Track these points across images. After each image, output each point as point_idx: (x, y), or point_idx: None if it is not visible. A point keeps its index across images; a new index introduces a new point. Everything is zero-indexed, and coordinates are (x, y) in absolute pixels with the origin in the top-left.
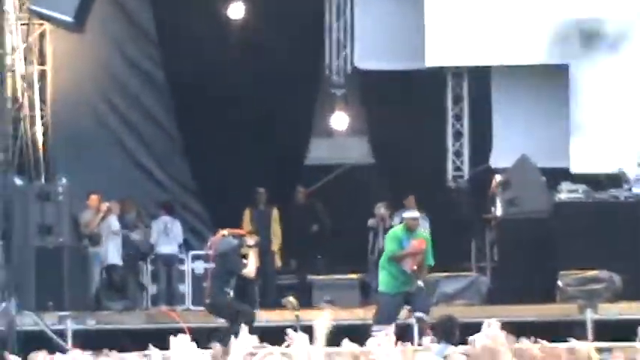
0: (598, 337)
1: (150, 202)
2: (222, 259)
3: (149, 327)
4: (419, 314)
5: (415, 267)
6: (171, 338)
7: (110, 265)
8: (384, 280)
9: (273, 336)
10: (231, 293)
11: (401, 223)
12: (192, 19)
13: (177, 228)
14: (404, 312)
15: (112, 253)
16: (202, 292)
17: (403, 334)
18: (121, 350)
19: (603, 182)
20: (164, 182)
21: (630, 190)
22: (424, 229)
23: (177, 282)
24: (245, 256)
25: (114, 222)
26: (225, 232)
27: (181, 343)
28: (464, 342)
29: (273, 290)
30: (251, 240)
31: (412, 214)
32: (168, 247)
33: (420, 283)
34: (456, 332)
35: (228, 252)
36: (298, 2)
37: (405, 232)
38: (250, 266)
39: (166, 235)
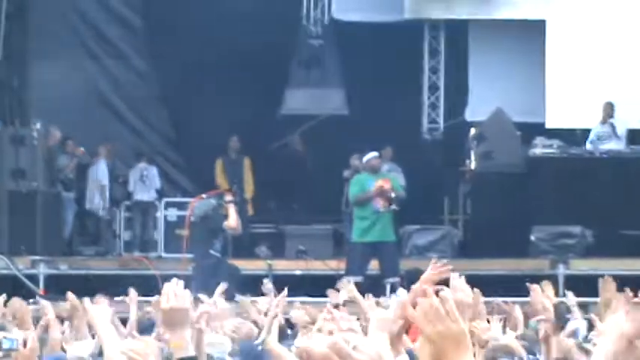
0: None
1: (127, 150)
2: (204, 220)
3: (121, 273)
4: (391, 281)
5: (387, 205)
6: (166, 283)
7: (85, 210)
8: (355, 229)
9: (246, 284)
10: (219, 255)
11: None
12: None
13: (153, 175)
14: (375, 262)
15: (97, 201)
16: (175, 240)
17: (375, 286)
18: (93, 295)
19: (578, 138)
20: (142, 130)
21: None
22: (399, 181)
23: (151, 229)
24: (226, 213)
25: (102, 170)
26: (203, 195)
27: (173, 288)
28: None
29: (246, 239)
30: (229, 195)
31: (371, 154)
32: (145, 194)
33: (395, 207)
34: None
35: (208, 212)
36: None
37: (369, 175)
38: (231, 219)
39: (142, 183)
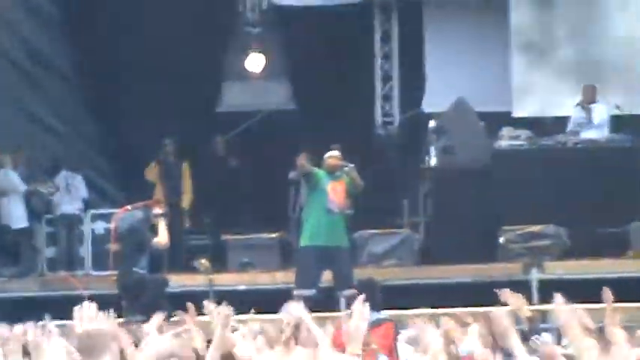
0: (544, 299)
1: (45, 155)
2: (129, 235)
3: (45, 294)
4: (346, 293)
5: (341, 208)
6: (75, 307)
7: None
8: (305, 232)
9: (184, 302)
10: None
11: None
12: None
13: (79, 183)
14: (328, 273)
15: (12, 214)
16: (104, 256)
17: (328, 299)
18: (14, 321)
19: (548, 127)
20: (61, 132)
21: (577, 134)
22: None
23: (77, 244)
24: (154, 228)
25: (13, 176)
26: (128, 207)
27: (86, 311)
28: (393, 307)
29: (183, 252)
30: (159, 208)
31: (332, 152)
32: (69, 205)
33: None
34: (377, 297)
35: (134, 225)
36: None
37: (326, 175)
38: (161, 235)
39: (68, 192)
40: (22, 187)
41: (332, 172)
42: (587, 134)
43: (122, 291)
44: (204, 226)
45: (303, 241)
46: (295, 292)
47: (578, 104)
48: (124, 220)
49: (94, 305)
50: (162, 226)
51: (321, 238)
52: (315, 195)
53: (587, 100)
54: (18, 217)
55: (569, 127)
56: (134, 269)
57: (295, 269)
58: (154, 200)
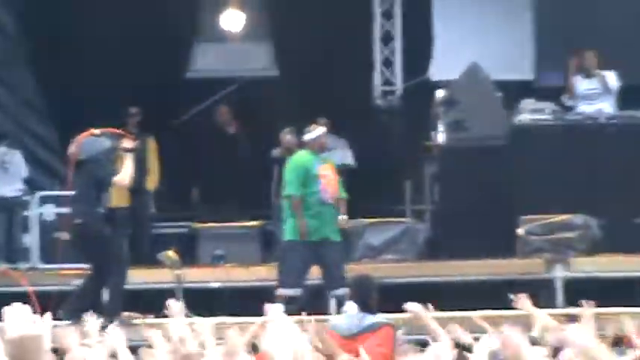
0: (570, 300)
1: None
2: (91, 165)
3: None
4: (338, 293)
5: (335, 193)
6: (7, 307)
7: None
8: (290, 224)
9: (148, 300)
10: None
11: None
12: None
13: (17, 160)
14: (316, 269)
15: None
16: (53, 245)
17: (316, 299)
18: None
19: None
20: (1, 101)
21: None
22: (348, 161)
23: (20, 232)
24: (119, 162)
25: None
26: (97, 130)
27: (18, 312)
28: (388, 309)
29: (148, 242)
30: (128, 142)
31: (321, 129)
32: (7, 187)
33: (343, 217)
34: (373, 296)
35: (98, 156)
36: None
37: (314, 156)
38: (125, 173)
39: (4, 172)
40: None
41: (319, 153)
42: (598, 106)
43: (80, 233)
44: (174, 212)
45: (289, 235)
46: (278, 292)
47: (579, 72)
48: (86, 146)
49: (26, 306)
50: (128, 163)
51: (310, 232)
52: (299, 183)
53: (590, 67)
54: None
55: (574, 102)
56: (96, 209)
57: (278, 265)
58: (125, 131)
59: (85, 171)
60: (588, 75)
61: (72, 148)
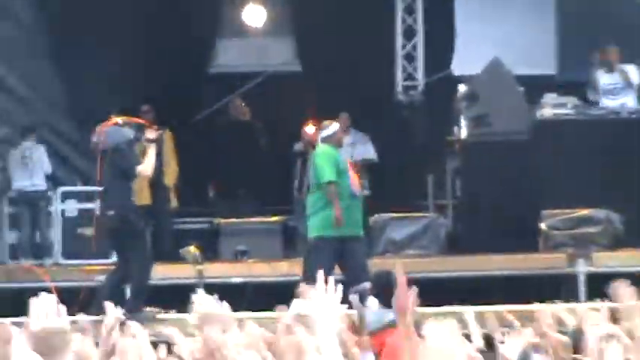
0: (592, 295)
1: (8, 124)
2: (115, 155)
3: (5, 287)
4: (360, 288)
5: (360, 187)
6: (33, 300)
7: None
8: (317, 220)
9: (169, 296)
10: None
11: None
12: None
13: (40, 155)
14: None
15: None
16: (77, 241)
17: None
18: None
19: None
20: (24, 96)
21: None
22: (370, 156)
23: (44, 228)
24: (142, 154)
25: None
26: (119, 119)
27: (43, 305)
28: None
29: (169, 237)
30: (152, 133)
31: (333, 126)
32: (27, 181)
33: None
34: (394, 292)
35: (121, 146)
36: None
37: (337, 152)
38: (148, 163)
39: (24, 166)
40: None
41: (338, 148)
42: (622, 100)
43: (117, 222)
44: (196, 207)
45: (316, 232)
46: (302, 287)
47: (601, 67)
48: (112, 136)
49: (52, 297)
50: (151, 154)
51: (339, 227)
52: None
53: (612, 62)
54: None
55: (596, 96)
56: (130, 197)
57: (303, 261)
58: (147, 121)
59: (110, 161)
60: (610, 70)
61: (95, 138)
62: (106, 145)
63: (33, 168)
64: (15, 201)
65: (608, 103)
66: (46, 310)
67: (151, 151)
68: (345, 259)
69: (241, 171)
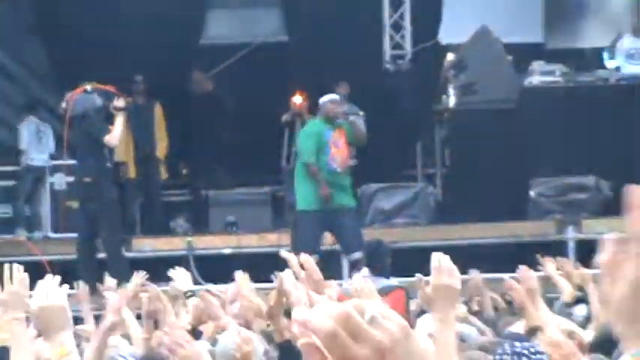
0: (582, 262)
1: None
2: (82, 121)
3: None
4: (354, 257)
5: (346, 164)
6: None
7: None
8: (302, 194)
9: (160, 269)
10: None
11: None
12: None
13: (50, 133)
14: (329, 237)
15: None
16: (63, 213)
17: (327, 265)
18: None
19: (588, 60)
20: (14, 73)
21: (619, 69)
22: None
23: (35, 201)
24: (110, 121)
25: None
26: (88, 86)
27: (42, 284)
28: (404, 273)
29: (159, 209)
30: (121, 100)
31: (330, 96)
32: (39, 155)
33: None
34: (386, 261)
35: (89, 112)
36: None
37: (325, 124)
38: (115, 132)
39: (39, 140)
40: None
41: (332, 121)
42: (634, 68)
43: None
44: (183, 179)
45: (301, 205)
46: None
47: (632, 33)
48: (78, 103)
49: (57, 279)
50: (118, 122)
51: (322, 202)
52: (312, 151)
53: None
54: None
55: (616, 58)
56: (104, 163)
57: (290, 232)
58: (116, 89)
59: (78, 128)
60: (636, 33)
61: (64, 105)
62: (74, 111)
63: (46, 142)
64: (18, 174)
65: (630, 68)
66: (45, 290)
67: (119, 120)
68: (336, 230)
69: (231, 142)
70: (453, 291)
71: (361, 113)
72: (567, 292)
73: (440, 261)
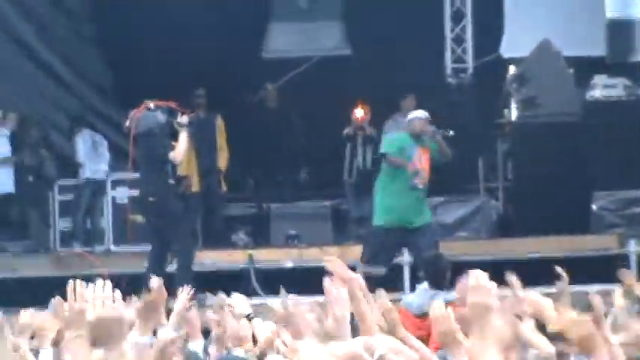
0: None
1: (58, 112)
2: (148, 139)
3: (56, 274)
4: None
5: (426, 181)
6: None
7: (2, 195)
8: (380, 209)
9: (221, 282)
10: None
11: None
12: None
13: (105, 142)
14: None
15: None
16: (125, 227)
17: (392, 279)
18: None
19: None
20: (73, 85)
21: None
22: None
23: (96, 215)
24: (174, 138)
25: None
26: (151, 104)
27: (99, 294)
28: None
29: (220, 222)
30: (184, 117)
31: (419, 113)
32: (96, 166)
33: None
34: (445, 275)
35: (153, 130)
36: None
37: (411, 139)
38: (179, 148)
39: (95, 151)
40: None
41: (418, 137)
42: None
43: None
44: (244, 192)
45: (379, 220)
46: (360, 269)
47: None
48: (144, 121)
49: (108, 285)
50: (182, 138)
51: (402, 218)
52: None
53: None
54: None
55: None
56: (166, 180)
57: (364, 244)
58: (179, 105)
59: (143, 146)
60: None
61: (127, 123)
62: (139, 129)
63: (102, 152)
64: (71, 189)
65: None
66: (101, 299)
67: (183, 136)
68: (410, 247)
69: (294, 155)
70: (490, 310)
71: (451, 133)
72: None
73: (477, 279)
